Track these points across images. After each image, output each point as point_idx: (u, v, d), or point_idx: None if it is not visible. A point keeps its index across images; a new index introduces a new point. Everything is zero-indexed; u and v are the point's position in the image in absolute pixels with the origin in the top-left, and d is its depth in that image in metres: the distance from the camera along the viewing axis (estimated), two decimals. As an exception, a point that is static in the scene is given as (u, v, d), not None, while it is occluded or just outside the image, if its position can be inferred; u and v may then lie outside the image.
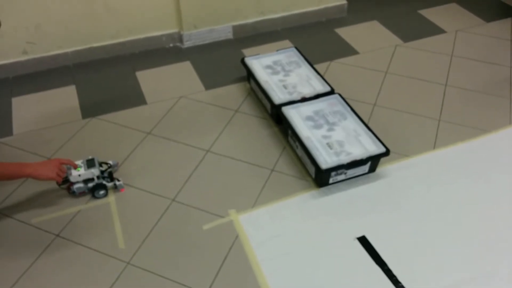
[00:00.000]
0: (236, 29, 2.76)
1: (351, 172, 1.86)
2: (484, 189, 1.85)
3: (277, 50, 2.43)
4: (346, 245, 1.65)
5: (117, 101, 2.29)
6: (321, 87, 2.17)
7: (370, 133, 1.92)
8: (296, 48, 2.45)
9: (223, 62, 2.58)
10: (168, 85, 2.40)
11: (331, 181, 1.86)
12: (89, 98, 2.31)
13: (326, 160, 1.81)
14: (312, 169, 1.88)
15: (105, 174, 1.82)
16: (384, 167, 1.94)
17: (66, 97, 2.32)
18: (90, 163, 1.78)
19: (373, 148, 1.86)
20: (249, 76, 2.32)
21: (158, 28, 2.63)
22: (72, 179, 1.75)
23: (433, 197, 1.82)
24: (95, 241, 1.66)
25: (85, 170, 1.75)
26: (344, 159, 1.81)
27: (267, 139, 2.09)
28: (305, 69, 2.29)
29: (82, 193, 1.80)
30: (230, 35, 2.77)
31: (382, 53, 2.64)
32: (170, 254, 1.62)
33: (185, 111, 2.24)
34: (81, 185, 1.77)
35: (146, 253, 1.62)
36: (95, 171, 1.76)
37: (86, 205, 1.79)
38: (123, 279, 1.54)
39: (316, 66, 2.50)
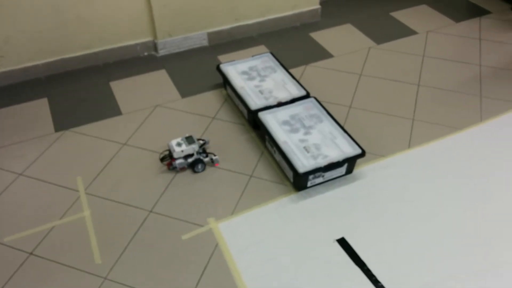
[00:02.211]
0: (211, 36, 2.75)
1: (329, 175, 1.87)
2: (459, 186, 1.88)
3: (253, 56, 2.43)
4: (326, 248, 1.65)
5: (91, 112, 2.25)
6: (297, 91, 2.18)
7: (346, 135, 1.94)
8: (271, 53, 2.46)
9: (199, 69, 2.57)
10: (144, 94, 2.37)
11: (309, 184, 1.86)
12: (62, 111, 2.27)
13: (303, 163, 1.81)
14: (290, 173, 1.88)
15: (201, 150, 1.94)
16: (361, 168, 1.96)
17: (38, 110, 2.27)
18: (190, 140, 1.90)
19: (349, 150, 1.87)
20: (225, 82, 2.32)
21: (132, 37, 2.61)
22: (175, 155, 1.87)
23: (409, 195, 1.84)
24: (71, 257, 1.62)
25: (186, 146, 1.86)
26: (321, 162, 1.81)
27: (244, 145, 2.08)
28: (280, 74, 2.30)
29: (182, 169, 1.93)
30: (205, 42, 2.76)
31: (356, 55, 2.66)
32: (149, 267, 1.59)
33: (161, 120, 2.22)
34: (182, 160, 1.89)
35: (124, 267, 1.59)
36: (195, 147, 1.88)
37: (60, 220, 1.75)
38: (101, 294, 1.51)
39: (291, 70, 2.52)
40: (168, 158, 1.91)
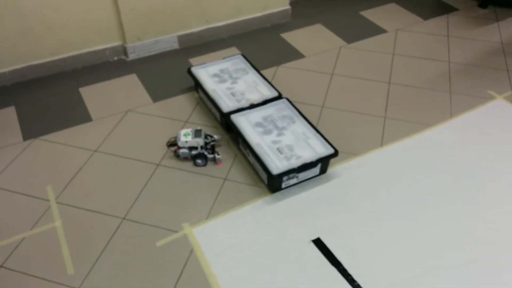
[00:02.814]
0: (181, 39, 2.73)
1: (303, 175, 1.88)
2: (432, 181, 1.91)
3: (224, 58, 2.42)
4: (302, 249, 1.66)
5: (60, 119, 2.20)
6: (269, 93, 2.18)
7: (318, 135, 1.95)
8: (243, 55, 2.45)
9: (170, 72, 2.54)
10: (114, 100, 2.34)
11: (283, 185, 1.86)
12: (30, 118, 2.21)
13: (277, 165, 1.81)
14: (264, 175, 1.88)
15: (208, 146, 1.96)
16: (334, 167, 1.97)
17: (5, 118, 2.21)
18: (197, 133, 1.93)
19: (322, 150, 1.88)
20: (197, 85, 2.30)
21: (100, 41, 2.56)
22: (179, 143, 1.92)
23: (383, 193, 1.86)
24: (42, 269, 1.58)
25: (192, 138, 1.90)
26: (295, 163, 1.82)
27: (218, 148, 2.07)
28: (252, 76, 2.30)
29: (185, 158, 1.98)
30: (176, 45, 2.74)
31: (328, 55, 2.68)
32: (123, 275, 1.57)
33: (132, 125, 2.18)
34: (186, 150, 1.94)
35: (97, 276, 1.56)
36: (200, 141, 1.91)
37: (30, 231, 1.70)
38: (74, 306, 1.48)
39: (263, 71, 2.52)
40: (174, 145, 1.97)
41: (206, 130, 2.16)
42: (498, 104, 2.31)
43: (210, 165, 1.98)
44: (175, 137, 1.98)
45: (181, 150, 1.94)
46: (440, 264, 1.61)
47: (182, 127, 2.16)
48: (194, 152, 1.94)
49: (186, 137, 1.92)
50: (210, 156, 1.95)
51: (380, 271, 1.59)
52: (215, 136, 2.01)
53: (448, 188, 1.89)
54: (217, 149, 2.03)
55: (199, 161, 1.94)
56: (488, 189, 1.88)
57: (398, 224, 1.75)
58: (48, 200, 1.82)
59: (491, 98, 2.35)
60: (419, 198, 1.84)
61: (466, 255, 1.64)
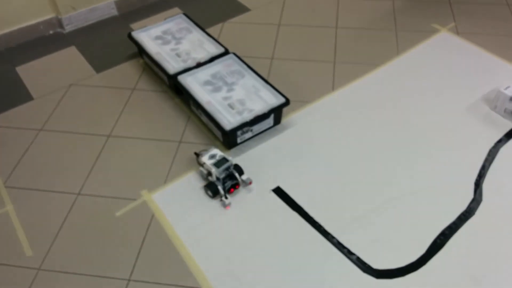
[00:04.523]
0: (119, 4, 2.60)
1: (257, 128, 1.86)
2: (383, 118, 1.93)
3: (165, 19, 2.32)
4: (262, 199, 1.66)
5: (-1, 102, 2.09)
6: (215, 50, 2.12)
7: (269, 86, 1.92)
8: (185, 14, 2.36)
9: (112, 41, 2.43)
10: (55, 75, 2.22)
11: (239, 140, 1.84)
12: (-34, 105, 2.09)
13: (229, 121, 1.78)
14: (218, 133, 1.85)
15: (228, 184, 1.66)
16: (289, 117, 1.96)
17: None
18: (220, 162, 1.64)
19: (273, 100, 1.86)
20: (140, 50, 2.21)
21: (32, 16, 2.40)
22: (199, 160, 1.70)
23: (337, 135, 1.88)
24: (-1, 254, 1.53)
25: (211, 163, 1.64)
26: (247, 117, 1.80)
27: (170, 112, 2.02)
28: (196, 34, 2.22)
29: (203, 178, 1.73)
30: (114, 12, 2.61)
31: (273, 6, 2.62)
32: (84, 250, 1.53)
33: (77, 99, 2.09)
34: (204, 171, 1.70)
35: (57, 255, 1.52)
36: (214, 171, 1.62)
37: (-19, 219, 1.63)
38: (37, 287, 1.44)
39: (209, 30, 2.44)
40: (198, 156, 1.72)
41: (155, 96, 2.09)
42: (442, 37, 2.33)
43: (162, 130, 1.93)
44: (206, 150, 1.71)
45: (200, 168, 1.71)
46: (396, 195, 1.65)
47: (130, 96, 2.09)
48: (210, 179, 1.67)
49: (208, 159, 1.66)
50: (222, 192, 1.64)
51: (339, 210, 1.62)
52: (244, 177, 1.69)
53: (399, 122, 1.92)
54: (240, 188, 1.71)
55: (208, 191, 1.66)
56: (437, 119, 1.92)
57: (354, 163, 1.77)
58: (-4, 186, 1.74)
59: (435, 31, 2.38)
60: (373, 135, 1.87)
61: (417, 184, 1.69)
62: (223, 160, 1.65)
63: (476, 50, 2.25)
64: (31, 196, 1.70)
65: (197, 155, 1.73)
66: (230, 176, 1.67)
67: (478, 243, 1.52)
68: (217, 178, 1.64)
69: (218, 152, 1.68)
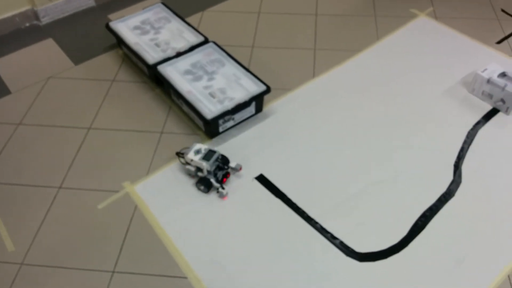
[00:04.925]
0: (96, -5, 2.55)
1: (239, 117, 1.86)
2: (364, 103, 1.95)
3: (143, 9, 2.29)
4: (246, 187, 1.67)
5: (-25, 97, 2.05)
6: (195, 39, 2.11)
7: (249, 74, 1.92)
8: (163, 3, 2.33)
9: (90, 32, 2.39)
10: (32, 68, 2.18)
11: (221, 129, 1.84)
12: None
13: (210, 109, 1.78)
14: (200, 122, 1.84)
15: (219, 174, 1.64)
16: (270, 105, 1.96)
17: None
18: (208, 155, 1.62)
19: (254, 88, 1.86)
20: (119, 41, 2.18)
21: (7, 8, 2.35)
22: (186, 158, 1.65)
23: (319, 121, 1.89)
24: (-21, 251, 1.51)
25: (199, 158, 1.61)
26: (228, 105, 1.79)
27: (150, 103, 2.00)
28: (175, 24, 2.20)
29: (191, 176, 1.69)
30: (91, 2, 2.56)
31: (252, -6, 2.61)
32: (67, 243, 1.52)
33: (56, 92, 2.06)
34: (192, 168, 1.66)
35: (40, 249, 1.51)
36: (206, 165, 1.60)
37: (-40, 216, 1.61)
38: (20, 282, 1.43)
39: (188, 19, 2.42)
40: (182, 156, 1.71)
41: (135, 86, 2.07)
42: (421, 21, 2.35)
43: (143, 121, 1.92)
44: (188, 148, 1.69)
45: (187, 167, 1.67)
46: (377, 179, 1.67)
47: (110, 87, 2.06)
48: (200, 174, 1.65)
49: (195, 155, 1.63)
50: (216, 185, 1.63)
51: (321, 195, 1.63)
52: (232, 164, 1.70)
53: (380, 107, 1.93)
54: (231, 177, 1.70)
55: (201, 187, 1.64)
56: (417, 102, 1.94)
57: (336, 149, 1.78)
58: (-25, 182, 1.71)
59: (414, 16, 2.39)
60: (354, 121, 1.88)
61: (398, 168, 1.71)
62: (210, 152, 1.64)
63: (454, 34, 2.27)
64: (11, 191, 1.68)
65: (180, 154, 1.71)
66: (219, 167, 1.66)
67: (458, 224, 1.55)
68: (208, 172, 1.63)
69: (202, 146, 1.66)
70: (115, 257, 1.48)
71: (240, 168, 1.70)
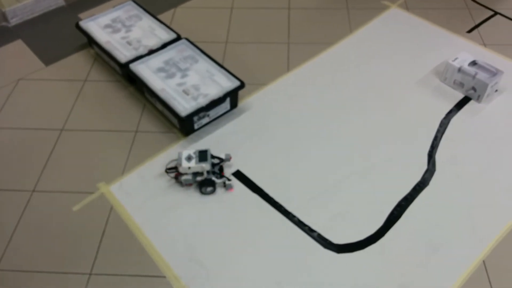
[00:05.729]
0: (66, -7, 2.50)
1: (214, 113, 1.85)
2: (338, 95, 1.96)
3: (114, 7, 2.26)
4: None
5: None
6: (167, 36, 2.08)
7: (223, 70, 1.91)
8: (134, 1, 2.30)
9: (60, 32, 2.34)
10: (2, 70, 2.13)
11: (196, 126, 1.83)
12: None
13: (184, 107, 1.76)
14: (175, 120, 1.83)
15: (216, 169, 1.63)
16: (245, 100, 1.96)
17: None
18: (202, 156, 1.59)
19: (228, 84, 1.85)
20: (90, 40, 2.14)
21: (-28, 9, 2.29)
22: (181, 169, 1.60)
23: (294, 115, 1.89)
24: (-50, 259, 1.47)
25: (196, 163, 1.57)
26: (203, 102, 1.78)
27: (124, 102, 1.98)
28: (147, 21, 2.17)
29: (189, 185, 1.64)
30: (61, 2, 2.51)
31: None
32: (42, 247, 1.50)
33: (27, 93, 2.02)
34: (189, 177, 1.61)
35: (13, 254, 1.48)
36: (205, 166, 1.58)
37: None
38: (-6, 289, 1.40)
39: (160, 16, 2.39)
40: (175, 170, 1.66)
41: (108, 86, 2.04)
42: (393, 13, 2.37)
43: (117, 120, 1.89)
44: (176, 160, 1.65)
45: (183, 177, 1.61)
46: (352, 170, 1.69)
47: (82, 87, 2.03)
48: (199, 178, 1.61)
49: (188, 162, 1.59)
50: (219, 181, 1.62)
51: (299, 189, 1.64)
52: (223, 156, 1.68)
53: (354, 99, 1.95)
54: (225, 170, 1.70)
55: (208, 189, 1.61)
56: (390, 93, 1.96)
57: (311, 143, 1.79)
58: None
59: (386, 8, 2.41)
60: (328, 114, 1.89)
61: (372, 158, 1.73)
62: (202, 153, 1.61)
63: (426, 24, 2.30)
64: (-18, 197, 1.64)
65: (172, 169, 1.67)
66: (213, 164, 1.65)
67: (433, 212, 1.57)
68: (207, 172, 1.61)
69: (189, 151, 1.62)
70: (91, 259, 1.46)
71: (230, 158, 1.69)
